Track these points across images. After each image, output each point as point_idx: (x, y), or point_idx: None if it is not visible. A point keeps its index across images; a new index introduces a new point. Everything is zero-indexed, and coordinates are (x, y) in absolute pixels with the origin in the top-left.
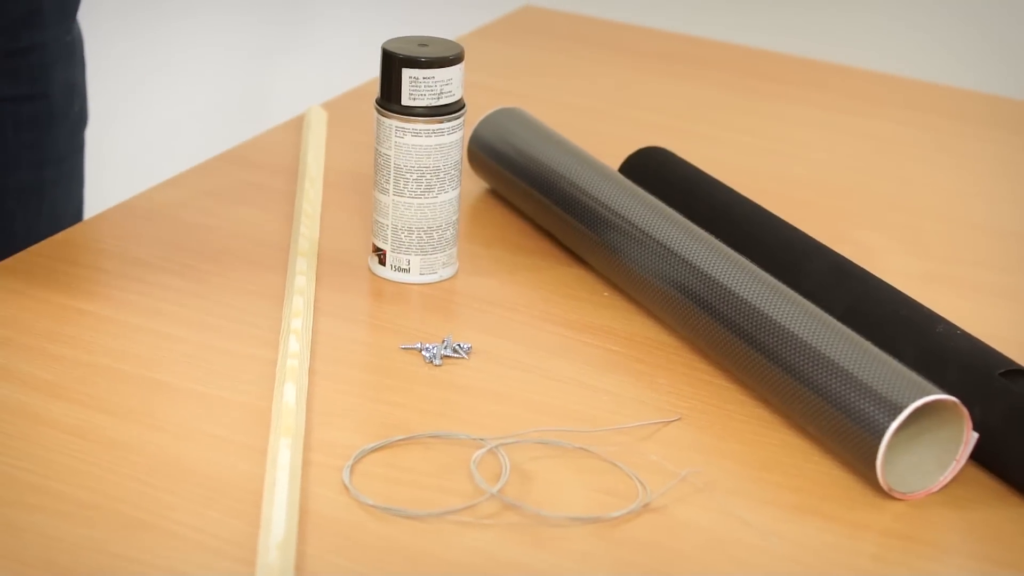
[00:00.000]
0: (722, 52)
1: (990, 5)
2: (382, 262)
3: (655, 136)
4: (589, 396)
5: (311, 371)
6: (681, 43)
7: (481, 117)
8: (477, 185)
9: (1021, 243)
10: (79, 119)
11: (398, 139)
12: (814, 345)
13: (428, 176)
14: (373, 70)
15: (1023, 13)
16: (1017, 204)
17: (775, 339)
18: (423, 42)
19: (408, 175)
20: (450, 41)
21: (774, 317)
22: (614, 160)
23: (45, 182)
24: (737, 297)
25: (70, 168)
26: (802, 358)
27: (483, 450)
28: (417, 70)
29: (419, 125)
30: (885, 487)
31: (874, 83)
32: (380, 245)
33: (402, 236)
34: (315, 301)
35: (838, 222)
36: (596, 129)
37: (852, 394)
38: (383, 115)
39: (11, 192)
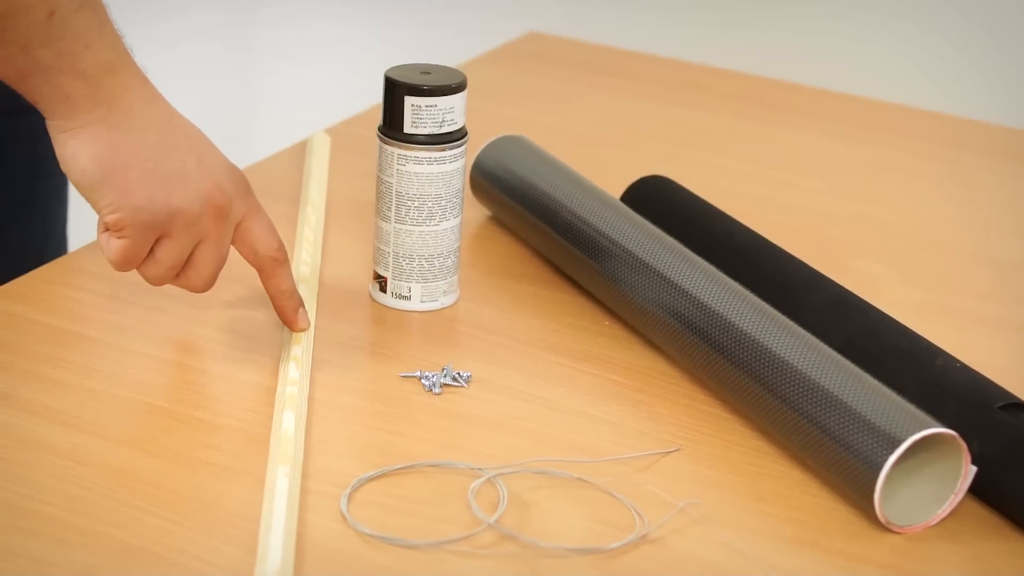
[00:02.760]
0: (725, 80)
1: (992, 34)
2: (383, 289)
3: (657, 164)
4: (588, 426)
5: (310, 398)
6: (684, 70)
7: (484, 144)
8: (479, 212)
9: (1022, 274)
10: None
11: (400, 167)
12: (813, 377)
13: (430, 204)
14: (377, 96)
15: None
16: (1018, 235)
17: (774, 371)
18: (426, 70)
19: (410, 203)
20: (453, 69)
21: (774, 349)
22: (616, 188)
23: (39, 195)
24: (737, 328)
25: (62, 183)
26: (801, 390)
27: (481, 480)
28: (419, 98)
29: (421, 153)
30: (883, 520)
31: (876, 112)
32: (381, 272)
33: (403, 263)
34: (315, 328)
35: (839, 252)
36: (598, 157)
37: (850, 427)
38: (385, 143)
39: (6, 205)
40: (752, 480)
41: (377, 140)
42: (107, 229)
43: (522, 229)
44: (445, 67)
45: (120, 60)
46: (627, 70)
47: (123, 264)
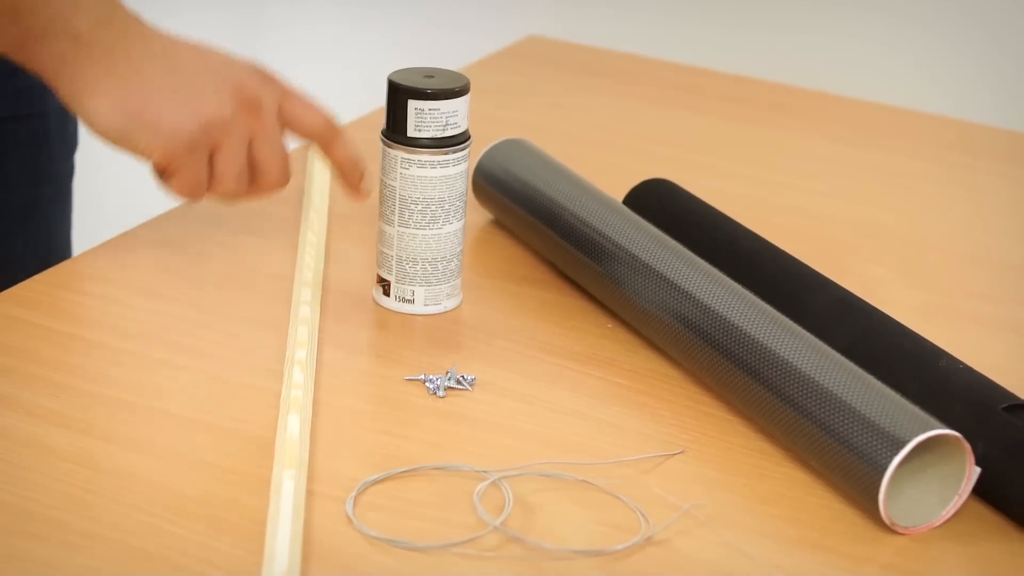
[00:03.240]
0: (727, 83)
1: (993, 36)
2: (386, 293)
3: (659, 167)
4: (592, 428)
5: (315, 402)
6: (686, 74)
7: (485, 147)
8: (481, 216)
9: (1021, 275)
10: (72, 141)
11: (403, 170)
12: (817, 379)
13: (433, 207)
14: (378, 100)
15: None
16: (1020, 237)
17: (778, 373)
18: (429, 73)
19: (413, 206)
20: (456, 73)
21: (777, 351)
22: (618, 191)
23: (42, 201)
24: (740, 330)
25: (65, 189)
26: (805, 392)
27: (486, 482)
28: (423, 101)
29: (424, 156)
30: (887, 521)
31: (879, 115)
32: (385, 276)
33: (407, 267)
34: (319, 331)
35: (842, 255)
36: (600, 160)
37: (854, 428)
38: (389, 146)
39: (11, 211)
40: (756, 482)
41: (380, 143)
42: (160, 175)
43: (525, 232)
44: (448, 71)
45: (112, 11)
46: (628, 73)
47: (191, 194)
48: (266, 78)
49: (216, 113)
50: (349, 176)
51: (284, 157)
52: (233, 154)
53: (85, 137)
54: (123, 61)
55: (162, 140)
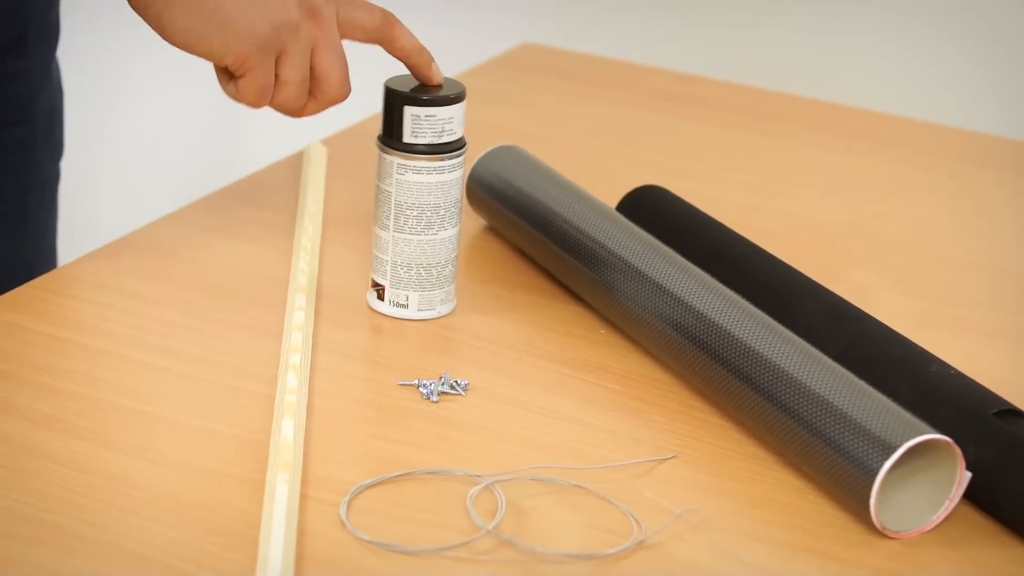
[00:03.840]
0: (720, 90)
1: (987, 43)
2: (381, 298)
3: (652, 174)
4: (585, 433)
5: (309, 407)
6: (679, 81)
7: (479, 154)
8: (475, 222)
9: (1015, 282)
10: (58, 146)
11: (399, 176)
12: (809, 384)
13: (428, 213)
14: (374, 107)
15: (1018, 53)
16: (1012, 243)
17: (770, 378)
18: None
19: (408, 212)
20: (452, 79)
21: (769, 356)
22: (612, 197)
23: (29, 207)
24: (732, 336)
25: (51, 195)
26: (797, 397)
27: (479, 487)
28: (419, 108)
29: (420, 163)
30: (879, 526)
31: (870, 122)
32: (379, 281)
33: (401, 272)
34: (314, 337)
35: (834, 261)
36: (594, 167)
37: (846, 433)
38: (385, 152)
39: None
40: (749, 486)
41: (376, 149)
42: (229, 79)
43: (518, 239)
44: (445, 77)
45: None
46: (622, 81)
47: (259, 97)
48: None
49: (285, 16)
50: (417, 65)
51: (344, 67)
52: (298, 60)
53: (70, 143)
54: None
55: (235, 40)
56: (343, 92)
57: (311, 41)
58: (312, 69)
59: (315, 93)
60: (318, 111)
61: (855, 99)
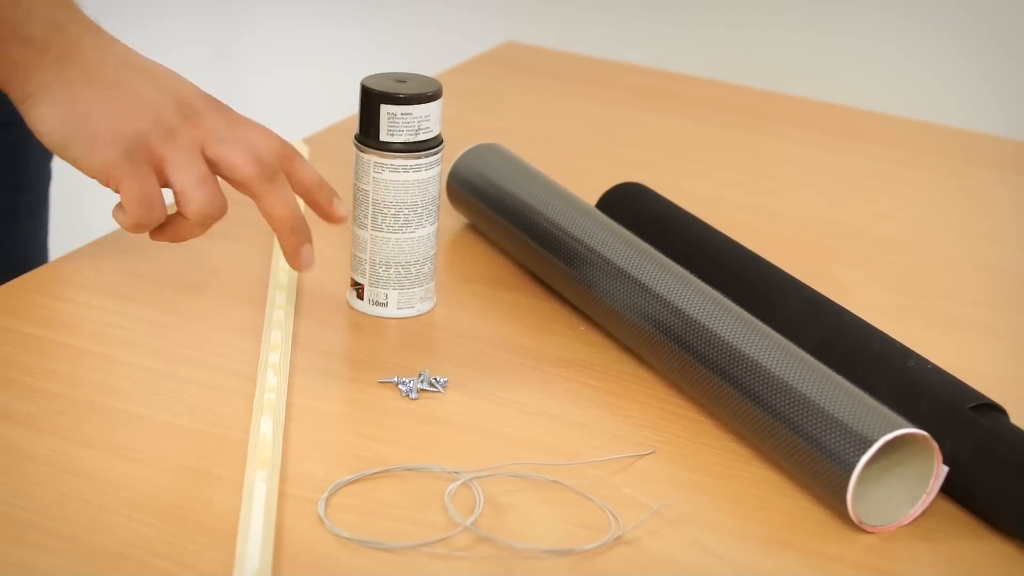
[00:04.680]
0: (700, 88)
1: (961, 40)
2: (360, 296)
3: (633, 171)
4: (564, 430)
5: (288, 404)
6: (660, 79)
7: (460, 152)
8: (456, 220)
9: (993, 277)
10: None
11: (376, 174)
12: (785, 379)
13: (406, 211)
14: (354, 107)
15: (1000, 48)
16: (990, 239)
17: (747, 374)
18: (401, 78)
19: (386, 210)
20: (428, 77)
21: (746, 352)
22: (592, 195)
23: (20, 207)
24: (710, 332)
25: (42, 195)
26: (774, 392)
27: (457, 483)
28: (395, 106)
29: (397, 161)
30: (856, 520)
31: (851, 119)
32: (358, 279)
33: (380, 271)
34: (293, 335)
35: (813, 257)
36: (574, 164)
37: (823, 428)
38: (362, 150)
39: None
40: (726, 482)
41: (353, 148)
42: (117, 206)
43: (498, 236)
44: (420, 75)
45: (66, 15)
46: (603, 79)
47: (142, 210)
48: (215, 104)
49: (153, 118)
50: (317, 201)
51: (252, 153)
52: (186, 161)
53: None
54: (72, 68)
55: (100, 148)
56: (260, 165)
57: (197, 141)
58: (213, 164)
59: (240, 188)
60: (272, 201)
61: (837, 96)
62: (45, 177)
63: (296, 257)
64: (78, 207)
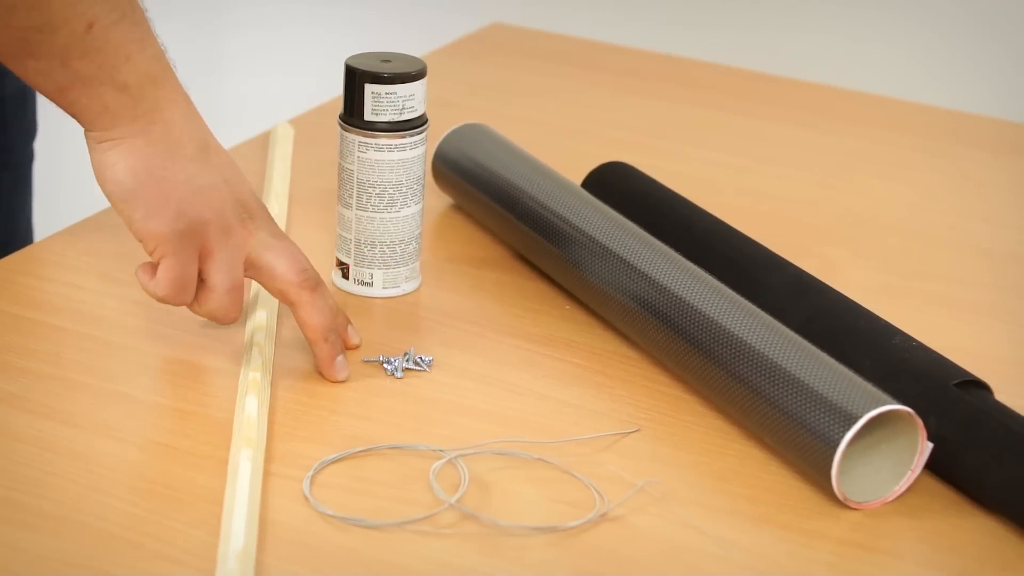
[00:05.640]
0: (686, 68)
1: (953, 22)
2: (345, 276)
3: (619, 151)
4: (549, 408)
5: (273, 384)
6: (646, 59)
7: (446, 132)
8: (441, 200)
9: (977, 256)
10: (31, 127)
11: (361, 154)
12: (770, 357)
13: (391, 191)
14: (339, 87)
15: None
16: (975, 219)
17: (732, 351)
18: (386, 58)
19: (371, 190)
20: (413, 57)
21: (732, 330)
22: (578, 175)
23: (3, 187)
24: (695, 310)
25: (24, 175)
26: (759, 370)
27: (442, 461)
28: (379, 85)
29: (381, 140)
30: (840, 497)
31: (835, 99)
32: (343, 259)
33: (365, 250)
34: (278, 315)
35: (800, 236)
36: (560, 144)
37: (808, 405)
38: (346, 130)
39: None
40: (711, 459)
41: (338, 128)
42: (152, 273)
43: (484, 216)
44: (405, 55)
45: (162, 73)
46: (589, 60)
47: (174, 291)
48: (263, 208)
49: (217, 216)
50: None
51: (299, 255)
52: (228, 264)
53: (45, 125)
54: (161, 129)
55: (159, 217)
56: (304, 274)
57: (245, 245)
58: (255, 268)
59: (280, 297)
60: (308, 312)
61: (826, 77)
62: (27, 157)
63: (331, 367)
64: (63, 187)
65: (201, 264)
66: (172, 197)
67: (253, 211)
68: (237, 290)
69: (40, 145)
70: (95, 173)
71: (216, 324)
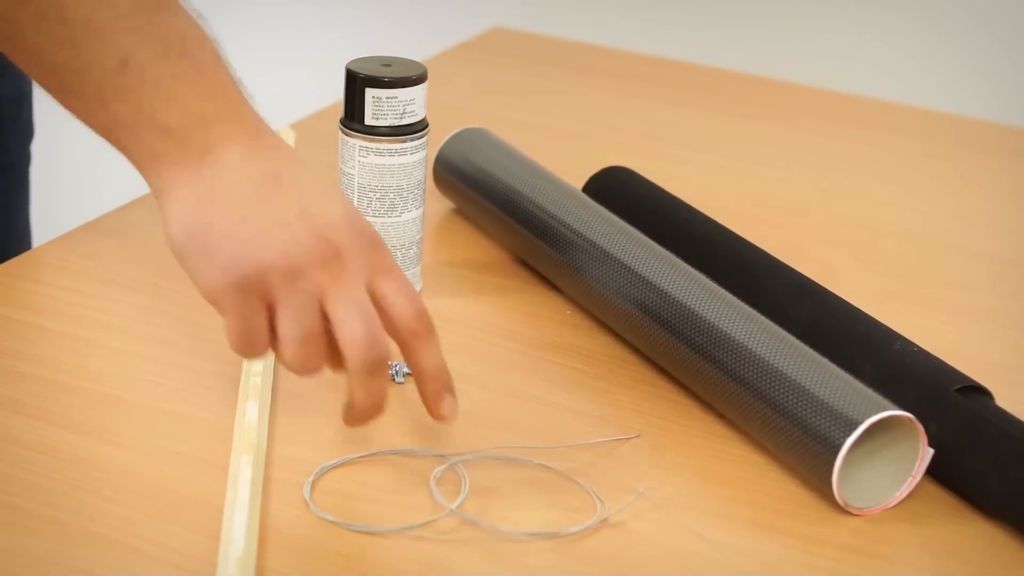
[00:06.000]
0: (686, 72)
1: (954, 26)
2: None
3: (619, 156)
4: (550, 413)
5: (274, 388)
6: (647, 63)
7: (447, 137)
8: (443, 205)
9: (978, 261)
10: (27, 129)
11: (361, 158)
12: (771, 362)
13: (391, 195)
14: (340, 91)
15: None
16: (976, 223)
17: (733, 357)
18: (386, 62)
19: (372, 194)
20: (414, 61)
21: (733, 335)
22: (579, 179)
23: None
24: (696, 315)
25: (21, 177)
26: (759, 375)
27: (443, 466)
28: (380, 90)
29: (382, 144)
30: (841, 502)
31: (835, 102)
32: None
33: None
34: None
35: (800, 241)
36: (561, 149)
37: (809, 410)
38: (347, 134)
39: None
40: (712, 465)
41: (339, 132)
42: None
43: (485, 220)
44: (405, 59)
45: (216, 111)
46: (590, 64)
47: (242, 343)
48: (368, 245)
49: (278, 258)
50: (429, 391)
51: (368, 326)
52: (297, 312)
53: (43, 127)
54: (208, 170)
55: (211, 270)
56: (369, 353)
57: (320, 291)
58: (327, 324)
59: (336, 352)
60: (359, 386)
61: (826, 82)
62: (24, 159)
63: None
64: (60, 190)
65: (270, 312)
66: (223, 246)
67: (340, 244)
68: (312, 340)
69: (38, 148)
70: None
71: (212, 326)
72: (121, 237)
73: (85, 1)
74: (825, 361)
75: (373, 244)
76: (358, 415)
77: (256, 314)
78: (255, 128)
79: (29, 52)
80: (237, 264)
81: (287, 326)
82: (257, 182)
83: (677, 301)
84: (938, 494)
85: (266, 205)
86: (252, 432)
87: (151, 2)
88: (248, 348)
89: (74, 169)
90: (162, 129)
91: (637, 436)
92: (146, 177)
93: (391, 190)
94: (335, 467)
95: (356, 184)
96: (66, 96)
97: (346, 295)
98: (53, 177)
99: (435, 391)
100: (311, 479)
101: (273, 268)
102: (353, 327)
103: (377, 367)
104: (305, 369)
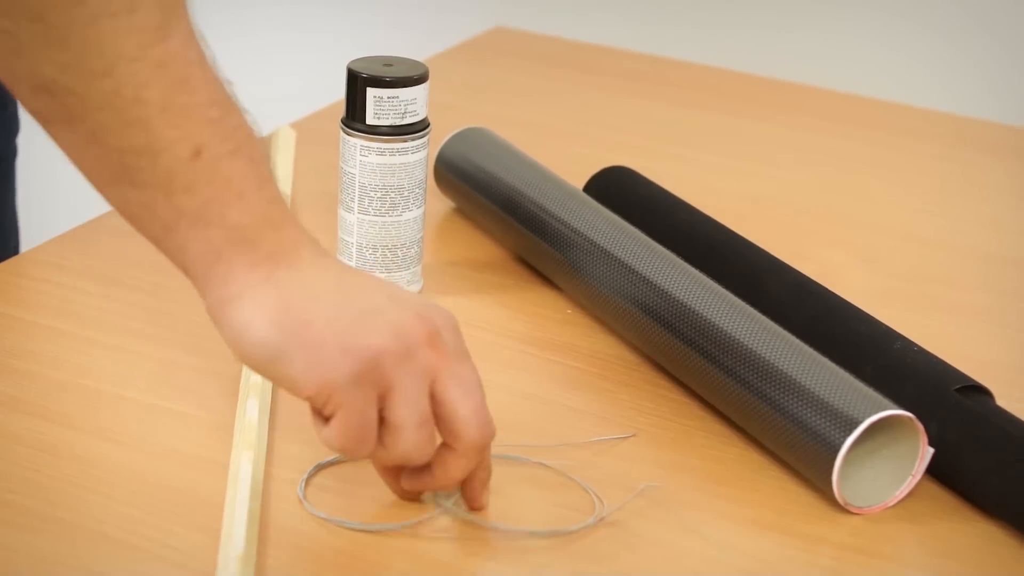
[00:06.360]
0: (687, 72)
1: (954, 26)
2: None
3: (620, 155)
4: (550, 412)
5: (274, 386)
6: (648, 63)
7: (448, 136)
8: (443, 204)
9: (979, 261)
10: (13, 123)
11: (362, 158)
12: (772, 361)
13: (392, 194)
14: (342, 90)
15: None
16: (973, 222)
17: (733, 356)
18: (388, 62)
19: (372, 193)
20: (415, 61)
21: (733, 334)
22: (579, 179)
23: None
24: (696, 315)
25: (7, 170)
26: (760, 374)
27: None
28: (381, 89)
29: (383, 144)
30: (841, 501)
31: (836, 102)
32: (345, 263)
33: (367, 254)
34: None
35: (800, 240)
36: (562, 148)
37: (809, 410)
38: (348, 134)
39: None
40: (712, 463)
41: (340, 132)
42: (316, 412)
43: (485, 220)
44: (407, 59)
45: (282, 217)
46: (591, 63)
47: (354, 443)
48: (452, 328)
49: (389, 340)
50: (479, 480)
51: (477, 399)
52: (412, 397)
53: (27, 120)
54: (288, 272)
55: (321, 367)
56: (486, 431)
57: (432, 370)
58: (435, 405)
59: (446, 438)
60: (462, 466)
61: (827, 81)
62: (10, 153)
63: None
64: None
65: (381, 402)
66: (329, 336)
67: (436, 323)
68: (429, 423)
69: (27, 143)
70: (230, 345)
71: (211, 323)
72: (120, 236)
73: (165, 83)
74: (825, 360)
75: (455, 328)
76: (437, 487)
77: (371, 406)
78: (314, 240)
79: (91, 132)
80: (350, 353)
81: (404, 413)
82: (335, 279)
83: (677, 300)
84: (938, 493)
85: (355, 297)
86: (252, 430)
87: (226, 100)
88: (360, 445)
89: (61, 162)
90: (232, 227)
91: (633, 435)
92: (208, 283)
93: (392, 189)
94: (331, 464)
95: (357, 183)
96: (122, 185)
97: (455, 372)
98: (39, 171)
99: (483, 479)
100: (305, 476)
101: (385, 351)
102: (468, 405)
103: (488, 444)
104: (423, 456)
